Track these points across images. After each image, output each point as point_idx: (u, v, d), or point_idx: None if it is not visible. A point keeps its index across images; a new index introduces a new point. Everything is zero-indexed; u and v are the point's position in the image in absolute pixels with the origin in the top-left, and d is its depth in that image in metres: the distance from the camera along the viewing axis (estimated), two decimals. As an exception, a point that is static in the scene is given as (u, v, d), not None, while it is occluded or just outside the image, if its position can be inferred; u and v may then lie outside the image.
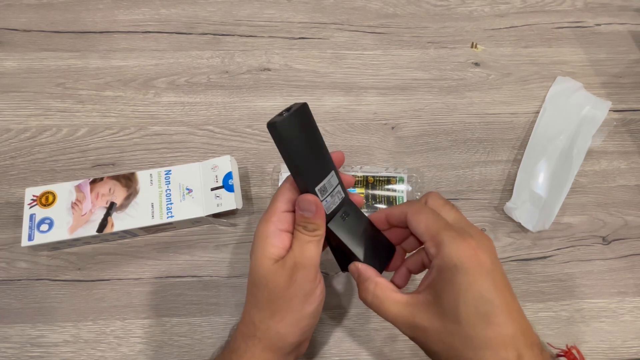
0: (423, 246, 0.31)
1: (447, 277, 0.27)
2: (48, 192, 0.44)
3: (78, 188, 0.45)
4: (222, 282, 0.46)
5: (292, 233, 0.32)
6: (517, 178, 0.50)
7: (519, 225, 0.49)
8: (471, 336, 0.26)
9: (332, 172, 0.32)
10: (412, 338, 0.30)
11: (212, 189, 0.45)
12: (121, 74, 0.54)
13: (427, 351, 0.29)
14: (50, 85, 0.53)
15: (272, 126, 0.29)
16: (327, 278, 0.46)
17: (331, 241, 0.35)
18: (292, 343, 0.32)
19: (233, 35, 0.58)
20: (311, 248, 0.31)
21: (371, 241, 0.34)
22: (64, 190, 0.45)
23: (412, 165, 0.52)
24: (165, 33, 0.57)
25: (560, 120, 0.54)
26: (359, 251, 0.34)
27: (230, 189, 0.45)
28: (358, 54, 0.58)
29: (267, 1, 0.60)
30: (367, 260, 0.34)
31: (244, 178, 0.50)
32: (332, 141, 0.52)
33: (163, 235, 0.47)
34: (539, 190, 0.50)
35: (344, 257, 0.35)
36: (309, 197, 0.30)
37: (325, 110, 0.54)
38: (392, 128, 0.54)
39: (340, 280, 0.46)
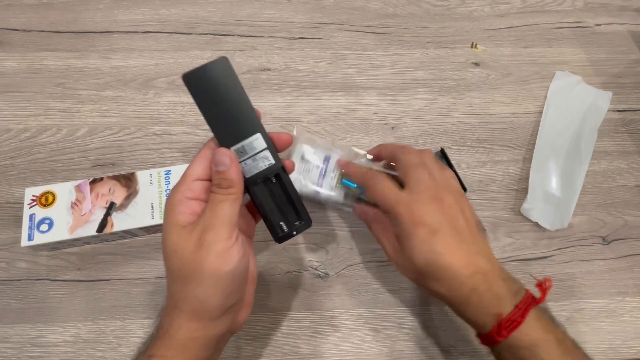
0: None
1: (411, 173, 0.36)
2: (48, 192, 0.44)
3: (78, 188, 0.45)
4: (222, 282, 0.46)
5: (204, 201, 0.31)
6: (530, 178, 0.50)
7: (519, 224, 0.49)
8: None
9: (258, 135, 0.32)
10: (395, 215, 0.34)
11: None
12: (121, 74, 0.54)
13: (405, 222, 0.34)
14: (50, 85, 0.53)
15: (184, 77, 0.30)
16: (325, 279, 0.46)
17: (259, 210, 0.35)
18: (216, 306, 0.30)
19: (233, 35, 0.58)
20: (224, 207, 0.30)
21: (286, 208, 0.35)
22: (64, 190, 0.45)
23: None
24: (165, 33, 0.57)
25: (564, 116, 0.54)
26: (274, 216, 0.34)
27: None
28: (358, 54, 0.58)
29: (267, 1, 0.60)
30: (277, 227, 0.35)
31: (244, 178, 0.50)
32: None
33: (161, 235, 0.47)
34: (552, 188, 0.50)
35: (270, 226, 0.35)
36: (223, 150, 0.30)
37: (325, 110, 0.54)
38: (392, 128, 0.54)
39: (339, 281, 0.46)
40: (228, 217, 0.30)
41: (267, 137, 0.32)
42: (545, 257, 0.48)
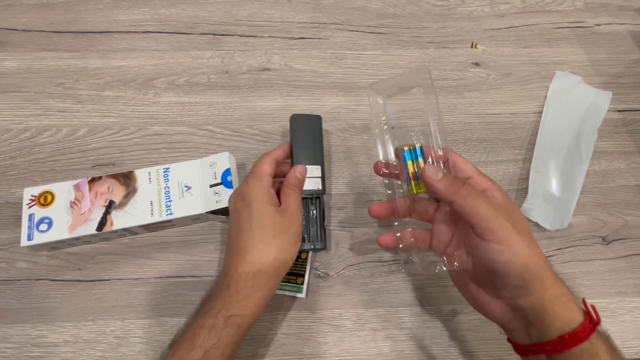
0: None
1: (508, 199, 0.36)
2: (47, 192, 0.44)
3: (77, 187, 0.45)
4: (222, 282, 0.46)
5: (278, 191, 0.42)
6: (530, 178, 0.50)
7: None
8: (533, 238, 0.35)
9: (319, 166, 0.45)
10: (503, 229, 0.33)
11: (211, 186, 0.45)
12: (121, 74, 0.54)
13: (514, 241, 0.33)
14: (50, 85, 0.53)
15: (292, 116, 0.47)
16: (325, 279, 0.46)
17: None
18: (289, 260, 0.39)
19: (233, 35, 0.58)
20: (298, 200, 0.41)
21: (313, 226, 0.45)
22: (63, 190, 0.45)
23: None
24: (165, 33, 0.57)
25: (564, 116, 0.54)
26: (303, 229, 0.44)
27: (229, 185, 0.45)
28: (358, 54, 0.58)
29: (267, 1, 0.60)
30: (305, 239, 0.44)
31: (244, 178, 0.50)
32: (332, 141, 0.52)
33: (163, 235, 0.47)
34: (552, 188, 0.50)
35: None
36: (303, 166, 0.43)
37: (325, 110, 0.54)
38: (392, 128, 0.54)
39: (339, 281, 0.46)
40: (298, 206, 0.41)
41: (323, 171, 0.45)
42: (545, 257, 0.48)
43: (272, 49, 0.57)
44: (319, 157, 0.46)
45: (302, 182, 0.42)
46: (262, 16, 0.59)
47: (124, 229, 0.44)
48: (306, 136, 0.46)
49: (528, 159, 0.52)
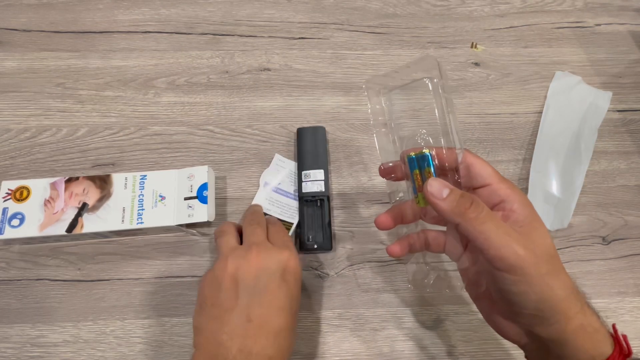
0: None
1: (531, 213, 0.31)
2: (23, 187, 0.44)
3: (53, 186, 0.45)
4: (222, 282, 0.46)
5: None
6: (530, 178, 0.50)
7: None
8: (559, 263, 0.31)
9: (322, 170, 0.48)
10: (518, 259, 0.29)
11: (186, 199, 0.45)
12: (121, 74, 0.54)
13: (531, 273, 0.29)
14: (50, 85, 0.53)
15: (298, 130, 0.51)
16: (325, 279, 0.46)
17: (299, 219, 0.47)
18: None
19: (233, 35, 0.58)
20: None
21: (318, 227, 0.47)
22: (39, 187, 0.44)
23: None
24: (165, 33, 0.57)
25: (564, 116, 0.54)
26: (307, 228, 0.46)
27: (204, 200, 0.45)
28: (358, 54, 0.58)
29: (267, 1, 0.60)
30: (305, 236, 0.46)
31: (245, 178, 0.50)
32: (332, 141, 0.52)
33: (163, 235, 0.47)
34: (552, 188, 0.50)
35: (300, 233, 0.46)
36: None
37: (325, 110, 0.54)
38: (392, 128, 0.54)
39: (339, 281, 0.46)
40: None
41: (327, 175, 0.48)
42: (545, 257, 0.48)
43: (272, 49, 0.57)
44: (322, 162, 0.49)
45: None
46: (262, 16, 0.59)
47: (95, 233, 0.44)
48: (311, 144, 0.50)
49: (528, 159, 0.52)
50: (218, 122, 0.53)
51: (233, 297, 0.34)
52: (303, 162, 0.49)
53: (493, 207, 0.31)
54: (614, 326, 0.31)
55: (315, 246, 0.45)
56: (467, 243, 0.34)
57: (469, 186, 0.33)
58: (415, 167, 0.33)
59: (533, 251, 0.28)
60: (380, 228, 0.36)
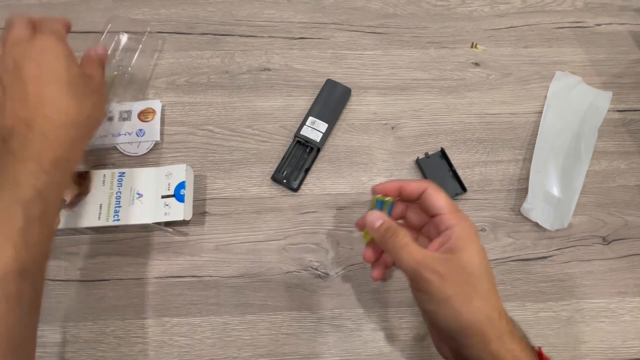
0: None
1: (463, 242, 0.34)
2: None
3: None
4: (222, 282, 0.46)
5: None
6: (530, 178, 0.50)
7: (519, 224, 0.49)
8: (478, 289, 0.33)
9: (327, 124, 0.51)
10: (425, 282, 0.33)
11: (163, 197, 0.45)
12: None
13: (438, 296, 0.33)
14: (50, 85, 0.53)
15: (327, 80, 0.54)
16: (325, 279, 0.46)
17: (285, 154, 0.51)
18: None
19: (233, 35, 0.58)
20: (102, 74, 0.44)
21: (297, 168, 0.50)
22: None
23: (411, 165, 0.52)
24: (165, 33, 0.57)
25: (564, 116, 0.54)
26: (286, 165, 0.50)
27: (180, 199, 0.45)
28: (358, 54, 0.58)
29: (267, 1, 0.60)
30: (280, 170, 0.50)
31: (245, 178, 0.50)
32: (332, 141, 0.52)
33: (163, 235, 0.47)
34: (552, 188, 0.50)
35: (278, 167, 0.50)
36: (104, 47, 0.46)
37: (325, 110, 0.54)
38: (392, 128, 0.54)
39: (339, 281, 0.46)
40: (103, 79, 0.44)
41: (329, 130, 0.51)
42: (545, 257, 0.48)
43: (272, 49, 0.57)
44: (330, 118, 0.52)
45: (102, 59, 0.44)
46: (262, 16, 0.59)
47: (71, 229, 0.44)
48: (331, 98, 0.52)
49: (528, 159, 0.52)
50: (218, 122, 0.53)
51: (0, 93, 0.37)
52: (314, 109, 0.52)
53: (440, 233, 0.35)
54: (539, 351, 0.34)
55: (285, 181, 0.49)
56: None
57: (429, 214, 0.37)
58: (378, 207, 0.38)
59: (441, 275, 0.32)
60: (366, 260, 0.41)
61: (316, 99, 0.52)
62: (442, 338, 0.36)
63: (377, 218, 0.37)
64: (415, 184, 0.38)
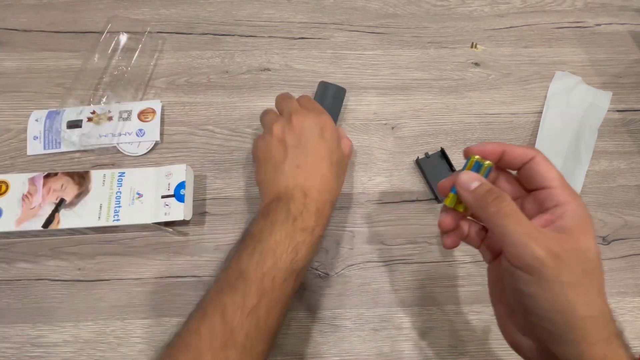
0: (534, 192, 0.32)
1: (581, 223, 0.29)
2: (2, 182, 0.44)
3: (32, 181, 0.45)
4: (222, 282, 0.46)
5: None
6: None
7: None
8: (595, 280, 0.28)
9: (334, 117, 0.51)
10: (534, 260, 0.27)
11: (163, 197, 0.45)
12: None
13: (549, 279, 0.27)
14: (50, 85, 0.53)
15: (321, 82, 0.53)
16: (325, 279, 0.46)
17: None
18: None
19: (233, 35, 0.58)
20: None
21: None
22: (18, 182, 0.45)
23: (411, 165, 0.52)
24: (165, 33, 0.57)
25: (564, 116, 0.54)
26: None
27: (180, 198, 0.45)
28: (358, 54, 0.58)
29: (267, 1, 0.60)
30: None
31: (245, 178, 0.50)
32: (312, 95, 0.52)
33: (163, 235, 0.47)
34: None
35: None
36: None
37: (325, 110, 0.54)
38: (392, 128, 0.54)
39: (339, 281, 0.46)
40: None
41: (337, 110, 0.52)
42: (545, 257, 0.48)
43: (272, 49, 0.57)
44: (335, 108, 0.51)
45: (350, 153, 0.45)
46: (262, 16, 0.59)
47: (72, 229, 0.44)
48: (325, 101, 0.51)
49: (528, 159, 0.52)
50: (218, 122, 0.53)
51: (282, 152, 0.40)
52: (320, 100, 0.50)
53: (546, 210, 0.30)
54: None
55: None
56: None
57: (530, 186, 0.32)
58: (474, 169, 0.32)
59: (557, 255, 0.27)
60: (443, 229, 0.35)
61: (317, 93, 0.51)
62: (531, 327, 0.30)
63: (474, 179, 0.31)
64: (522, 150, 0.31)
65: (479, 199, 0.30)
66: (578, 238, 0.28)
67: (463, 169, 0.32)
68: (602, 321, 0.28)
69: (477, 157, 0.32)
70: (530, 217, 0.30)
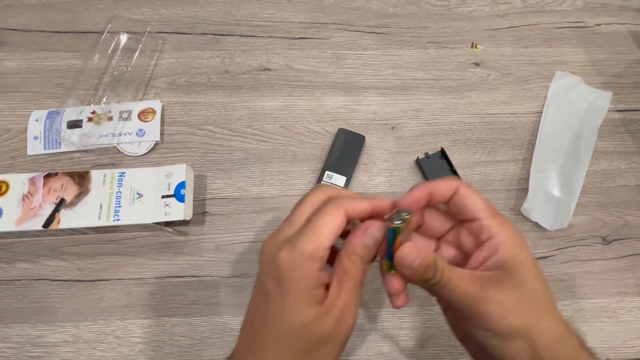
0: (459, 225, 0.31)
1: (515, 253, 0.28)
2: (2, 182, 0.44)
3: (32, 181, 0.45)
4: (222, 282, 0.46)
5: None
6: (530, 178, 0.50)
7: (519, 224, 0.49)
8: (544, 307, 0.28)
9: (345, 177, 0.49)
10: (483, 318, 0.27)
11: (163, 197, 0.45)
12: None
13: (502, 330, 0.27)
14: (50, 85, 0.53)
15: (339, 130, 0.52)
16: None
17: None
18: None
19: (233, 35, 0.58)
20: (357, 287, 0.30)
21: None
22: (18, 182, 0.45)
23: (411, 165, 0.52)
24: (165, 33, 0.57)
25: (564, 116, 0.54)
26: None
27: (181, 198, 0.45)
28: (358, 54, 0.58)
29: (267, 1, 0.60)
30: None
31: (245, 178, 0.50)
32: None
33: (163, 235, 0.47)
34: (552, 188, 0.50)
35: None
36: (377, 224, 0.30)
37: (325, 111, 0.54)
38: (392, 128, 0.54)
39: (340, 280, 0.46)
40: (357, 299, 0.30)
41: (347, 183, 0.49)
42: (545, 257, 0.48)
43: (272, 49, 0.57)
44: (348, 170, 0.50)
45: (371, 250, 0.30)
46: (262, 16, 0.59)
47: (72, 229, 0.44)
48: (345, 149, 0.50)
49: (528, 159, 0.52)
50: (218, 122, 0.53)
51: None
52: (330, 162, 0.50)
53: (480, 243, 0.30)
54: None
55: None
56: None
57: (461, 218, 0.31)
58: (392, 235, 0.30)
59: (501, 305, 0.27)
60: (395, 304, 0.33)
61: (330, 151, 0.50)
62: None
63: (412, 256, 0.29)
64: (445, 184, 0.30)
65: (420, 275, 0.29)
66: (514, 271, 0.28)
67: (392, 242, 0.30)
68: (564, 343, 0.28)
69: (395, 222, 0.29)
70: (468, 251, 0.30)
